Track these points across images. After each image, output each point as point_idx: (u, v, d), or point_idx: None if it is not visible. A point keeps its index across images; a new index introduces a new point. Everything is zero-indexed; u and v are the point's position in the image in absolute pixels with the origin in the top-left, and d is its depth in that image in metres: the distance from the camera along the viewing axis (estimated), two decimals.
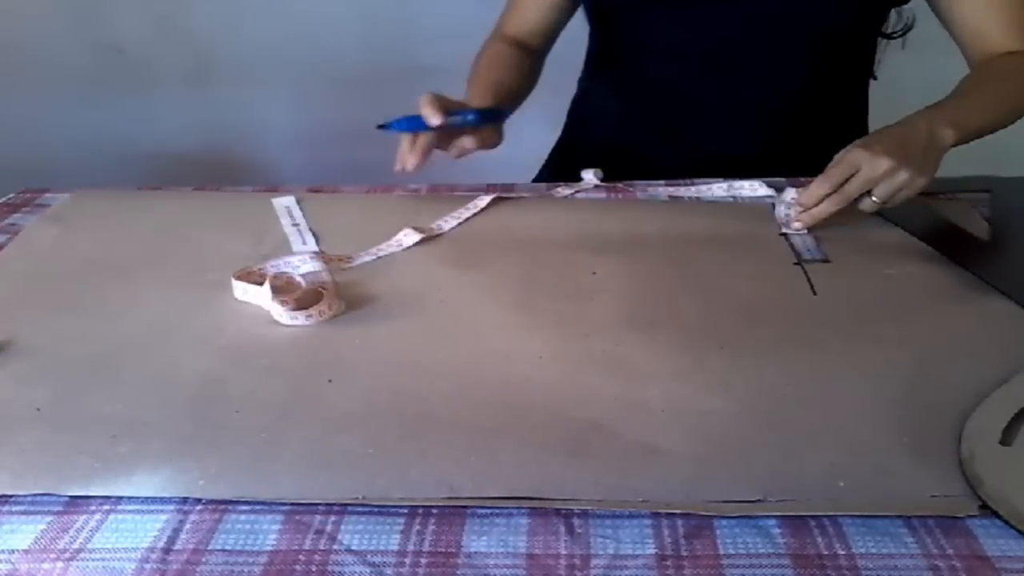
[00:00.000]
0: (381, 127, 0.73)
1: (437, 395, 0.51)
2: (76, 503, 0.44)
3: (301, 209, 0.78)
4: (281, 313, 0.60)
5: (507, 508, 0.43)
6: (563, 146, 1.06)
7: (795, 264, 0.67)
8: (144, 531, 0.42)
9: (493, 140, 0.78)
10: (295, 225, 0.75)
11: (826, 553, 0.40)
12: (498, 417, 0.49)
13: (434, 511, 0.43)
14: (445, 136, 0.74)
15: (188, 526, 0.43)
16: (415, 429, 0.48)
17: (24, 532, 0.43)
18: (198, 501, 0.44)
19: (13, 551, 0.41)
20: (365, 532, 0.42)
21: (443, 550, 0.41)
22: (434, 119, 0.70)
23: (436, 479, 0.45)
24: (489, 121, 0.77)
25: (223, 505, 0.44)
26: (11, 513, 0.44)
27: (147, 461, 0.46)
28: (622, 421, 0.49)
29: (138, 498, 0.44)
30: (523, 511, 0.43)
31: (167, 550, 0.41)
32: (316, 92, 1.61)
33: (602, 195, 0.82)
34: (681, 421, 0.49)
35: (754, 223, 0.74)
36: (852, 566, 0.40)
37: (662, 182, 0.84)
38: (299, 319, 0.59)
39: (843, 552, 0.40)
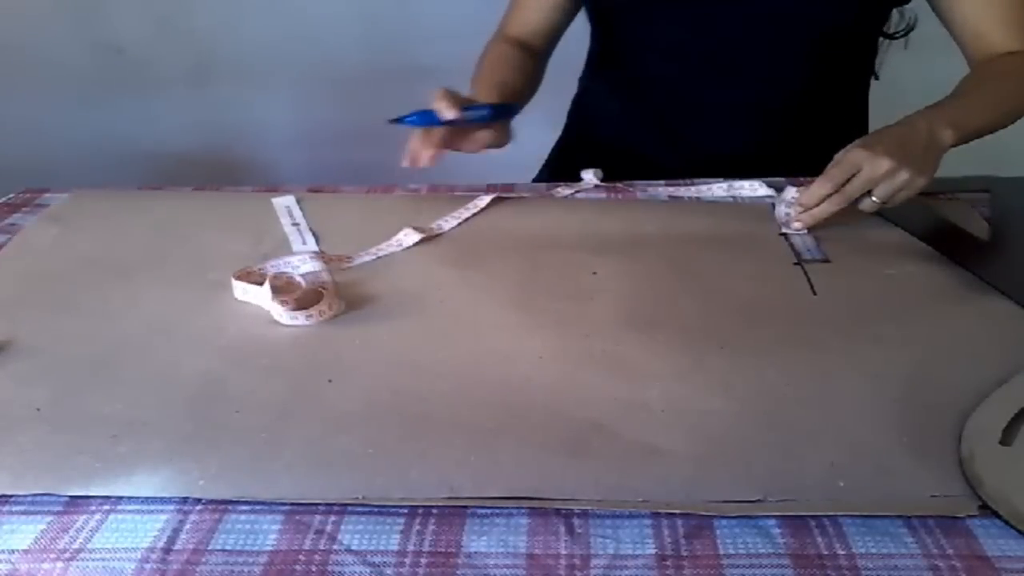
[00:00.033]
0: (394, 121, 0.72)
1: (437, 395, 0.51)
2: (76, 503, 0.44)
3: (301, 209, 0.78)
4: (281, 313, 0.60)
5: (507, 508, 0.43)
6: (563, 146, 1.06)
7: (795, 264, 0.67)
8: (144, 531, 0.42)
9: (504, 138, 0.78)
10: (295, 225, 0.75)
11: (826, 553, 0.40)
12: (498, 417, 0.49)
13: (434, 511, 0.43)
14: (454, 133, 0.74)
15: (188, 526, 0.43)
16: (415, 429, 0.48)
17: (24, 532, 0.43)
18: (198, 501, 0.44)
19: (13, 551, 0.41)
20: (365, 532, 0.42)
21: (443, 550, 0.41)
22: (448, 113, 0.70)
23: (436, 479, 0.45)
24: (501, 117, 0.77)
25: (223, 505, 0.44)
26: (11, 513, 0.44)
27: (147, 461, 0.46)
28: (622, 421, 0.49)
29: (138, 498, 0.44)
30: (523, 511, 0.43)
31: (167, 550, 0.41)
32: (316, 92, 1.61)
33: (602, 195, 0.82)
34: (681, 421, 0.49)
35: (754, 223, 0.74)
36: (852, 566, 0.40)
37: (662, 182, 0.84)
38: (299, 319, 0.59)
39: (843, 552, 0.40)
